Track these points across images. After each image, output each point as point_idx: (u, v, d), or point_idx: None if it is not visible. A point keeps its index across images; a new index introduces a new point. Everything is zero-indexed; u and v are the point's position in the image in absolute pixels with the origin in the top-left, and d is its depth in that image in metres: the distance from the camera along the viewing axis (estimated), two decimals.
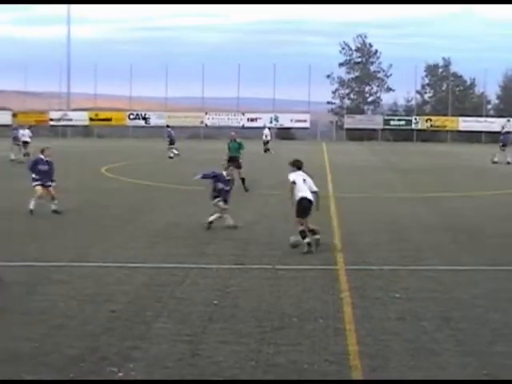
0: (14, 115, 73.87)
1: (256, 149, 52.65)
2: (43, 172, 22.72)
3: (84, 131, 75.94)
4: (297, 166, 17.68)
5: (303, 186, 17.26)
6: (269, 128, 58.29)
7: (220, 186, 19.63)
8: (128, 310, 12.20)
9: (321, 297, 13.18)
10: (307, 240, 16.90)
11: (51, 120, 75.30)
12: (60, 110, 76.77)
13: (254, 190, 28.65)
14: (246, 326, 11.34)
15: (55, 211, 22.25)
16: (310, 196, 17.22)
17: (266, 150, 52.53)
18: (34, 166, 22.90)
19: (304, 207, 17.16)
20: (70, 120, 75.24)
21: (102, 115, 75.60)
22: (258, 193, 28.27)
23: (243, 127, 64.68)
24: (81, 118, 75.29)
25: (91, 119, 75.31)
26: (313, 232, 17.24)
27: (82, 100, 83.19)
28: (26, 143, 43.00)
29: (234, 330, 11.13)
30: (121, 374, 9.23)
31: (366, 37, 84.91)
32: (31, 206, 22.01)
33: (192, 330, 11.10)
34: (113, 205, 24.81)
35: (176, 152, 46.34)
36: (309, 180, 17.51)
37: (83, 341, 10.56)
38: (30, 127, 46.64)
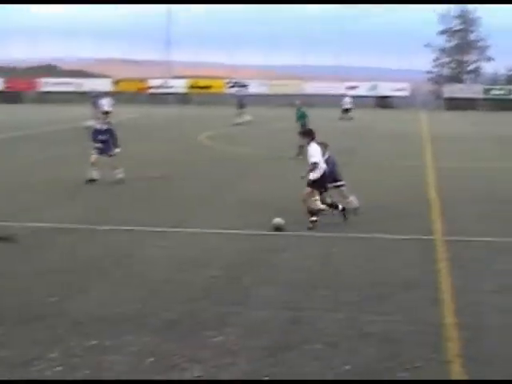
0: (116, 83, 75.24)
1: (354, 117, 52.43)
2: (103, 141, 22.69)
3: (183, 99, 76.70)
4: (314, 136, 16.73)
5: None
6: (351, 97, 57.73)
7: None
8: (227, 276, 12.39)
9: (418, 267, 13.13)
10: (341, 206, 16.70)
11: (151, 88, 76.30)
12: (160, 77, 77.59)
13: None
14: (347, 295, 11.39)
15: (121, 180, 22.21)
16: None
17: (345, 118, 52.08)
18: (94, 136, 22.88)
19: (325, 181, 16.66)
20: (170, 88, 76.09)
21: (202, 83, 76.17)
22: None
23: (342, 95, 64.20)
24: (180, 86, 76.05)
25: (191, 87, 75.99)
26: (334, 206, 16.85)
27: (183, 68, 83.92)
28: (106, 113, 43.23)
29: (335, 298, 11.20)
30: (219, 339, 9.42)
31: (467, 4, 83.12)
32: (94, 176, 22.15)
33: (292, 297, 11.22)
34: (210, 172, 25.08)
35: (248, 118, 46.11)
36: None
37: (181, 305, 10.80)
38: (109, 95, 46.43)
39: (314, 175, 16.33)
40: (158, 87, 76.00)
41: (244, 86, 74.00)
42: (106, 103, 43.20)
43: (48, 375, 8.27)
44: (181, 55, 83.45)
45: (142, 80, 76.96)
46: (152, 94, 76.49)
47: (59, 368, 8.47)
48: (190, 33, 78.40)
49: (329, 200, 16.93)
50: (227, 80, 75.93)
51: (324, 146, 17.26)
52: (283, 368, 8.57)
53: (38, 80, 77.01)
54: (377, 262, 13.43)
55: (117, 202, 19.27)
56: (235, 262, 13.39)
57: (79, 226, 16.20)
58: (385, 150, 33.00)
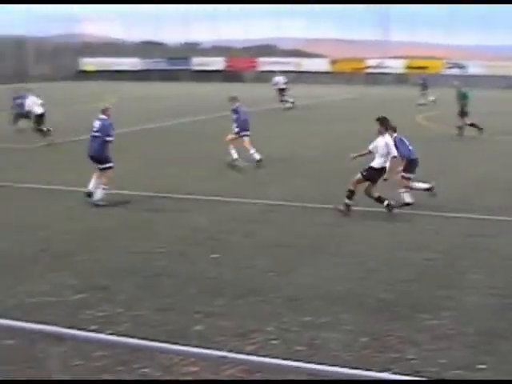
0: (332, 63, 75.75)
1: None
2: (244, 121, 22.53)
3: (399, 79, 75.89)
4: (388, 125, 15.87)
5: None
6: None
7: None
8: (442, 259, 12.27)
9: None
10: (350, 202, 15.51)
11: (368, 68, 76.11)
12: (377, 57, 77.12)
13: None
14: None
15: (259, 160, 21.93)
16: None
17: None
18: (235, 116, 22.70)
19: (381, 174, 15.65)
20: (386, 68, 75.57)
21: (418, 63, 75.03)
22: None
23: None
24: (397, 66, 75.38)
25: (407, 67, 75.10)
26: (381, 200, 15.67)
27: (399, 48, 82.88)
28: (282, 90, 43.42)
29: None
30: (434, 322, 9.34)
31: None
32: (234, 156, 22.03)
33: (505, 284, 10.96)
34: (430, 154, 24.75)
35: (431, 99, 44.96)
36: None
37: (397, 286, 10.80)
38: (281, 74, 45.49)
39: (377, 164, 15.56)
40: (375, 67, 75.67)
41: (462, 67, 72.25)
42: (280, 81, 43.47)
43: (264, 348, 8.52)
44: (397, 35, 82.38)
45: (359, 60, 76.87)
46: (368, 74, 76.28)
47: (275, 342, 8.72)
48: (406, 12, 76.92)
49: (376, 194, 15.67)
50: (445, 60, 74.35)
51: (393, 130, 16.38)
52: (498, 357, 8.39)
53: (257, 59, 78.73)
54: None
55: (328, 183, 19.39)
56: (450, 246, 13.22)
57: (291, 203, 16.55)
58: None
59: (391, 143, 15.64)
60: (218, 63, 79.16)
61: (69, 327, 6.55)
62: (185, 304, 10.00)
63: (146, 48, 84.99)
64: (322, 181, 19.44)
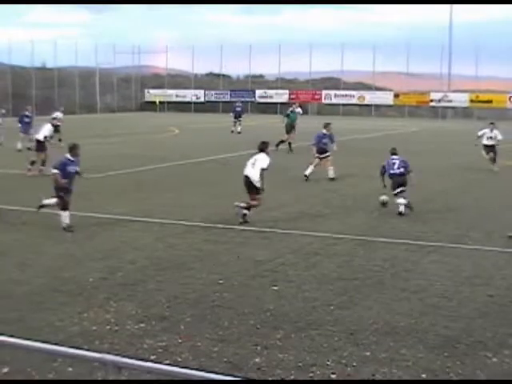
0: (396, 96, 75.56)
1: None
2: (323, 144, 26.42)
3: (463, 113, 75.41)
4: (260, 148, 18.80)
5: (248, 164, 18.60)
6: None
7: None
8: (506, 296, 12.05)
9: None
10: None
11: (431, 101, 75.72)
12: (440, 91, 76.70)
13: None
14: None
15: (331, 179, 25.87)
16: (250, 173, 18.36)
17: None
18: (316, 139, 26.52)
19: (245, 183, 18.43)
20: (450, 101, 75.07)
21: (483, 97, 74.30)
22: None
23: None
24: (461, 100, 74.77)
25: (471, 101, 74.42)
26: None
27: (463, 81, 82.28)
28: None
29: None
30: (494, 360, 9.19)
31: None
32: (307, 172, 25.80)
33: None
34: (496, 189, 24.50)
35: None
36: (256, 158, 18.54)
37: (458, 322, 10.65)
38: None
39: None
40: (439, 101, 75.24)
41: None
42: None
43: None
44: (461, 68, 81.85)
45: (423, 93, 76.52)
46: (432, 108, 75.97)
47: (334, 376, 8.66)
48: (469, 45, 75.89)
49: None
50: (509, 95, 73.45)
51: None
52: None
53: (320, 92, 78.93)
54: None
55: (390, 216, 19.28)
56: None
57: (351, 236, 16.50)
58: None
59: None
60: (281, 95, 79.48)
61: (128, 357, 6.58)
62: (244, 336, 10.00)
63: (211, 80, 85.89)
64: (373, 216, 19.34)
